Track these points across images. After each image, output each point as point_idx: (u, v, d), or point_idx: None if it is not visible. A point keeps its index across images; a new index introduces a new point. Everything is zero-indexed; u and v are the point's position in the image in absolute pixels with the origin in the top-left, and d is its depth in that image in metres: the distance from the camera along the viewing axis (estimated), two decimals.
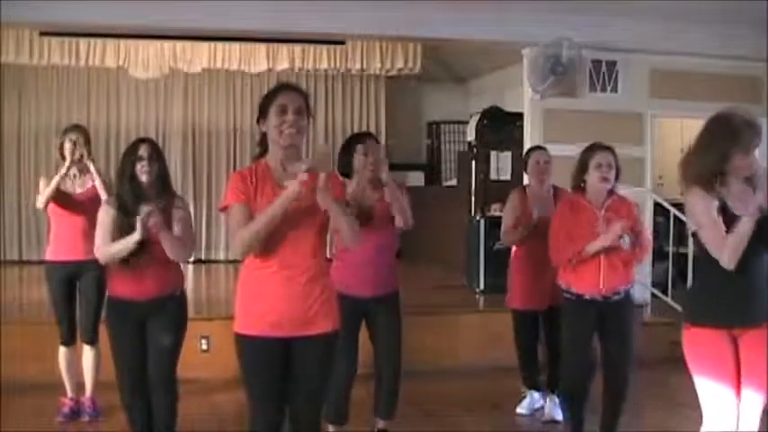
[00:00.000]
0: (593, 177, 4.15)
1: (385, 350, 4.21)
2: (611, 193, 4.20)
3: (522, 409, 5.18)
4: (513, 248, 5.15)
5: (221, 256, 10.54)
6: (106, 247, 3.77)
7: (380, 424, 4.30)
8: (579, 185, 4.23)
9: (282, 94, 2.97)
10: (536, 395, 5.16)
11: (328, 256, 3.19)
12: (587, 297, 4.16)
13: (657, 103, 7.88)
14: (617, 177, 4.20)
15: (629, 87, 7.83)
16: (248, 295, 2.99)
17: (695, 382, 3.09)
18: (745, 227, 2.90)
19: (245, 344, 2.98)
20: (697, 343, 3.07)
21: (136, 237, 3.66)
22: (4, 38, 8.99)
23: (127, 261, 3.73)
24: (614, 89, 7.80)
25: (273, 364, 2.96)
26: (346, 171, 4.13)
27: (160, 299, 3.81)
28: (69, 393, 4.88)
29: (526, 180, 5.44)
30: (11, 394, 5.06)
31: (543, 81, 7.39)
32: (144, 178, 3.82)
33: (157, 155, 3.90)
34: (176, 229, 3.79)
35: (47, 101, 10.29)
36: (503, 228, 5.08)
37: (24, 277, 8.98)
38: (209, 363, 5.67)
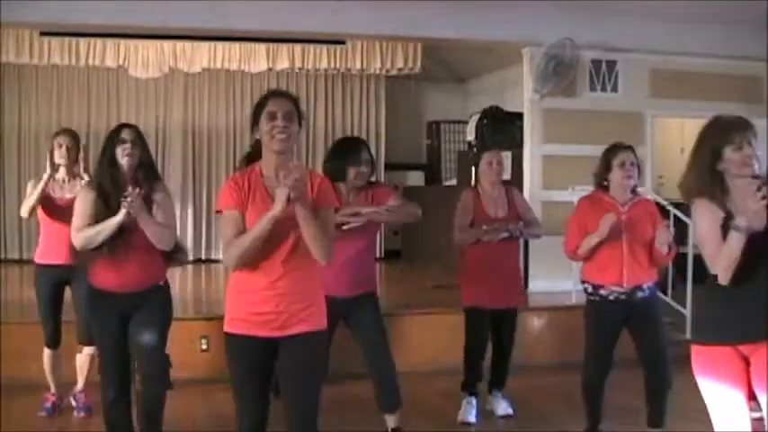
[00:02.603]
0: (616, 176, 4.19)
1: (373, 347, 4.20)
2: (633, 192, 4.24)
3: (471, 417, 4.88)
4: (466, 248, 4.92)
5: (221, 256, 10.50)
6: (84, 231, 3.64)
7: (391, 422, 4.27)
8: (602, 184, 4.26)
9: (272, 101, 3.06)
10: (473, 400, 4.95)
11: None
12: (611, 298, 4.15)
13: (657, 103, 7.89)
14: (638, 176, 4.23)
15: (629, 87, 7.84)
16: (235, 294, 3.03)
17: (707, 402, 2.89)
18: (732, 242, 2.75)
19: (232, 342, 3.02)
20: (705, 362, 2.88)
21: (118, 218, 3.59)
22: (4, 38, 8.98)
23: (102, 249, 3.61)
24: (614, 89, 7.81)
25: (257, 364, 3.00)
26: (336, 176, 4.05)
27: (143, 291, 3.73)
28: (52, 389, 4.91)
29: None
30: (11, 394, 5.06)
31: (545, 82, 7.40)
32: (125, 162, 3.72)
33: (141, 141, 3.81)
34: (157, 214, 3.71)
35: (47, 101, 10.27)
36: (456, 226, 4.92)
37: (25, 277, 8.96)
38: (209, 363, 5.67)
